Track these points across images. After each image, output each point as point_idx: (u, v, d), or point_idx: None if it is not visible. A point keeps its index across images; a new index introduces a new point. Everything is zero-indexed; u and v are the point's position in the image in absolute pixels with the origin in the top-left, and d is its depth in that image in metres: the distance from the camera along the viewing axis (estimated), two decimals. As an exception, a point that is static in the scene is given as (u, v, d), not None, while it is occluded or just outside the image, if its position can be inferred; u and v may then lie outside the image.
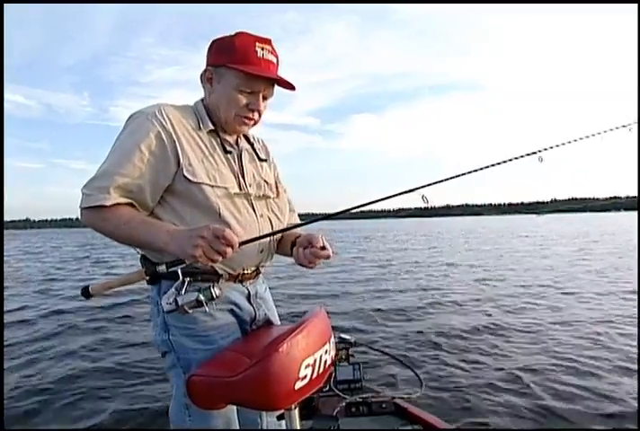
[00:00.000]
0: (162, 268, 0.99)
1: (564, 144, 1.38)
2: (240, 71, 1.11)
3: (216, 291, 1.03)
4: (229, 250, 0.96)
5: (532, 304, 5.43)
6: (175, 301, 0.99)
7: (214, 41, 1.18)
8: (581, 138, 1.42)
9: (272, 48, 1.16)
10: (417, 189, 1.17)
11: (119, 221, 1.05)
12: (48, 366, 3.54)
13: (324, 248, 1.13)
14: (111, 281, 1.01)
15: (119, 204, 1.06)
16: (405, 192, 1.18)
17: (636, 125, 1.49)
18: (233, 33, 1.15)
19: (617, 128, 1.48)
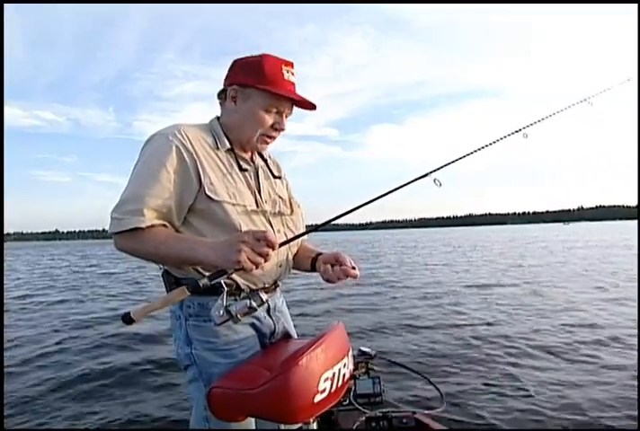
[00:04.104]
0: (204, 281, 0.98)
1: (543, 119, 1.47)
2: (270, 92, 1.15)
3: (263, 296, 1.08)
4: (271, 251, 0.96)
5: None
6: (227, 311, 1.01)
7: (237, 61, 1.21)
8: (553, 114, 1.50)
9: (294, 70, 1.20)
10: (430, 173, 1.22)
11: (155, 242, 1.04)
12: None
13: (353, 267, 1.20)
14: (153, 303, 0.99)
15: (152, 225, 1.06)
16: (418, 178, 1.22)
17: (594, 98, 1.59)
18: (257, 54, 1.19)
19: (579, 102, 1.56)
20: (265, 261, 0.96)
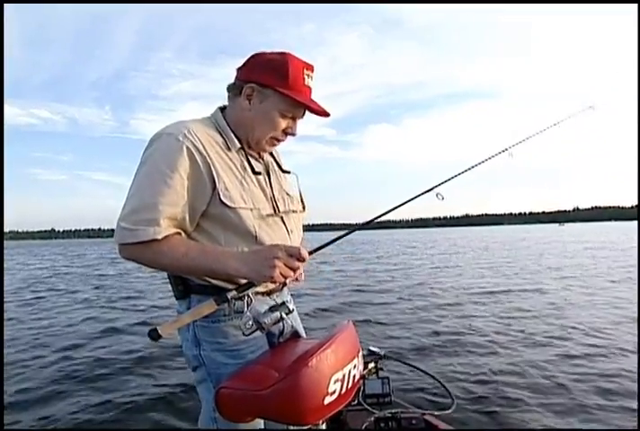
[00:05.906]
0: (232, 294, 1.00)
1: (528, 138, 1.54)
2: (290, 98, 1.09)
3: (290, 306, 1.11)
4: (301, 266, 1.00)
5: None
6: (258, 322, 1.02)
7: (258, 56, 1.14)
8: (542, 131, 1.58)
9: (313, 74, 1.15)
10: (433, 188, 1.31)
11: (175, 253, 1.00)
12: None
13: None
14: (182, 318, 0.99)
15: (168, 235, 1.01)
16: (422, 194, 1.30)
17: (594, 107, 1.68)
18: (279, 52, 1.13)
19: (574, 116, 1.63)
20: (294, 274, 1.00)
